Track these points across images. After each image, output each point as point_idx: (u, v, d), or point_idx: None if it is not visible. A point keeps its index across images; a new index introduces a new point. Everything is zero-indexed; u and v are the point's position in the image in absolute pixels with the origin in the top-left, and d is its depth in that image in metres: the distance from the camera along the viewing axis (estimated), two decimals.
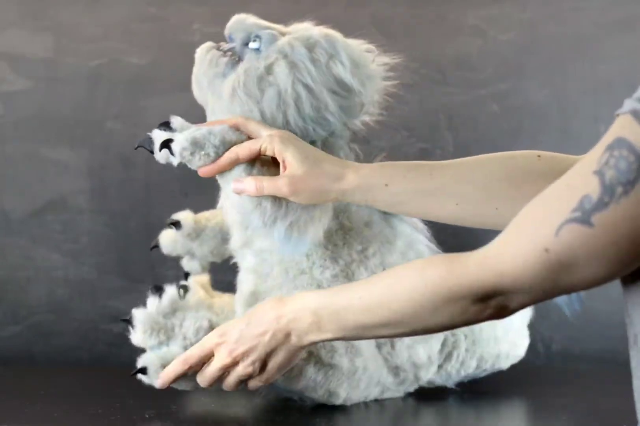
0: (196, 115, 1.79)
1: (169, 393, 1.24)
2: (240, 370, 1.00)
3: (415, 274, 0.88)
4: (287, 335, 0.96)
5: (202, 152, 1.09)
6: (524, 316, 1.38)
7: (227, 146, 1.09)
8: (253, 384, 1.02)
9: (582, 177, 0.74)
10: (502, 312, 0.86)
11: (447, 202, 1.03)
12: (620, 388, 1.30)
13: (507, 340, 1.32)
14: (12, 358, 1.60)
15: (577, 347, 1.61)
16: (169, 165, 1.87)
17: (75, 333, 1.66)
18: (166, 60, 1.77)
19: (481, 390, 1.32)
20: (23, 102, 1.74)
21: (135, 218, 1.74)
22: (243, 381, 1.01)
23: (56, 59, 1.75)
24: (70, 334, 1.66)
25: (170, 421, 1.06)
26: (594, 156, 0.74)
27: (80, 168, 1.74)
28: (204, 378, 1.02)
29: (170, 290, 1.09)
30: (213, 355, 1.00)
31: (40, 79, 1.74)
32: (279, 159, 1.06)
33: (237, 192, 1.08)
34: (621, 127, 0.72)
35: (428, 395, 1.26)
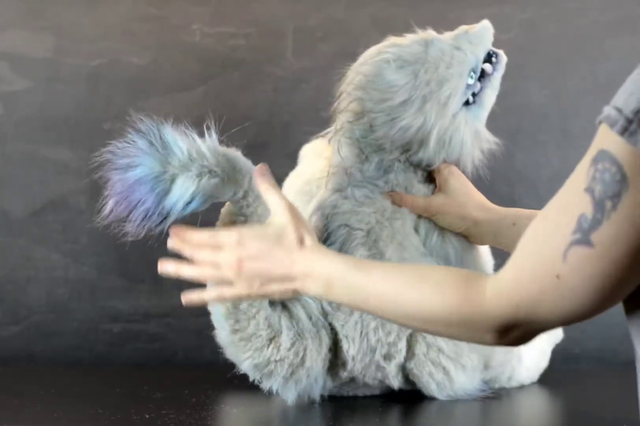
0: (195, 115, 1.79)
1: (168, 393, 1.24)
2: (240, 283, 0.95)
3: (434, 289, 0.87)
4: (292, 289, 0.95)
5: None
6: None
7: None
8: (237, 292, 0.97)
9: (575, 195, 0.74)
10: (520, 341, 0.85)
11: None
12: (620, 388, 1.30)
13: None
14: (12, 358, 1.60)
15: (577, 347, 1.61)
16: None
17: (75, 333, 1.66)
18: (166, 60, 1.77)
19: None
20: (23, 102, 1.74)
21: None
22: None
23: (56, 59, 1.75)
24: (70, 334, 1.66)
25: (169, 421, 1.06)
26: (582, 171, 0.73)
27: (80, 168, 1.74)
28: (202, 257, 0.98)
29: None
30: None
31: (40, 79, 1.74)
32: (438, 181, 1.22)
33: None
34: (600, 136, 0.72)
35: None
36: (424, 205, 1.21)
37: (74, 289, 1.70)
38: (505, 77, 1.27)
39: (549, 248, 0.76)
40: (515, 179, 1.76)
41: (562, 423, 1.20)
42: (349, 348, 1.18)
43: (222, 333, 1.15)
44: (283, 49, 1.78)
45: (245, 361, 1.14)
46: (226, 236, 0.97)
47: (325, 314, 1.18)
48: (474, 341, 0.88)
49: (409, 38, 1.21)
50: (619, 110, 0.69)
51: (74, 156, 1.74)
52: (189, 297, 1.00)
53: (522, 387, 1.35)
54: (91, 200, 1.73)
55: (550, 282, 0.76)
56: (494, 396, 1.24)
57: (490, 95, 1.25)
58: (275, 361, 1.14)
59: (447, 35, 1.23)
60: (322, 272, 0.93)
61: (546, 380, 1.40)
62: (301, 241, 0.96)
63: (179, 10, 1.77)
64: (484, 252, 1.29)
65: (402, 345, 1.20)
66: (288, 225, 0.96)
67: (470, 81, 1.21)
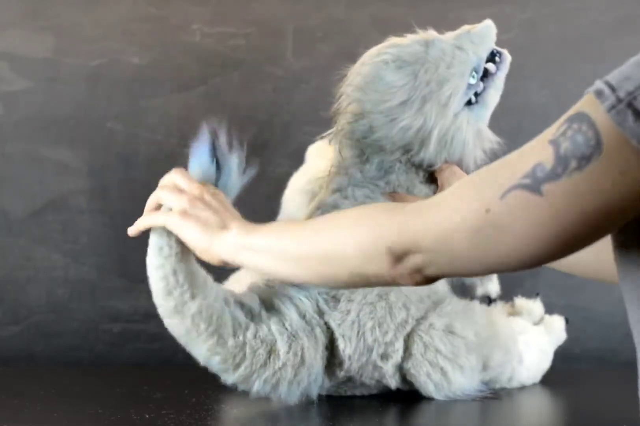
0: (194, 115, 1.80)
1: (168, 393, 1.24)
2: (180, 200, 1.00)
3: (353, 212, 0.87)
4: (215, 239, 0.96)
5: None
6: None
7: None
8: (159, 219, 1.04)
9: (537, 145, 0.73)
10: (415, 277, 0.81)
11: None
12: (620, 388, 1.30)
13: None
14: (12, 358, 1.60)
15: (577, 347, 1.61)
16: (169, 165, 1.87)
17: (75, 333, 1.66)
18: (166, 60, 1.77)
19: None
20: (23, 102, 1.74)
21: (135, 218, 1.73)
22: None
23: (56, 59, 1.75)
24: (70, 334, 1.66)
25: (169, 421, 1.06)
26: (554, 126, 0.73)
27: (80, 168, 1.74)
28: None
29: None
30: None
31: (40, 79, 1.74)
32: (439, 181, 1.20)
33: None
34: (585, 104, 0.72)
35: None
36: None
37: (74, 289, 1.70)
38: (505, 77, 1.27)
39: (490, 184, 0.74)
40: None
41: (562, 423, 1.20)
42: (345, 348, 1.18)
43: (229, 376, 1.13)
44: (283, 49, 1.78)
45: (255, 381, 1.13)
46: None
47: (321, 313, 1.18)
48: (368, 265, 0.82)
49: (409, 38, 1.21)
50: (612, 88, 0.69)
51: (74, 156, 1.74)
52: (131, 230, 1.09)
53: (522, 387, 1.35)
54: (91, 200, 1.73)
55: (476, 214, 0.74)
56: (494, 397, 1.24)
57: (493, 95, 1.25)
58: (279, 368, 1.14)
59: (449, 35, 1.23)
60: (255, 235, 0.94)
61: (546, 380, 1.40)
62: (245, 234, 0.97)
63: (179, 10, 1.77)
64: None
65: (399, 345, 1.20)
66: None
67: (472, 81, 1.21)
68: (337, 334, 1.18)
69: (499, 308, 1.41)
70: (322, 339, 1.18)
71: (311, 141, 1.42)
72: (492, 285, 1.40)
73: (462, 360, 1.23)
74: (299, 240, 0.89)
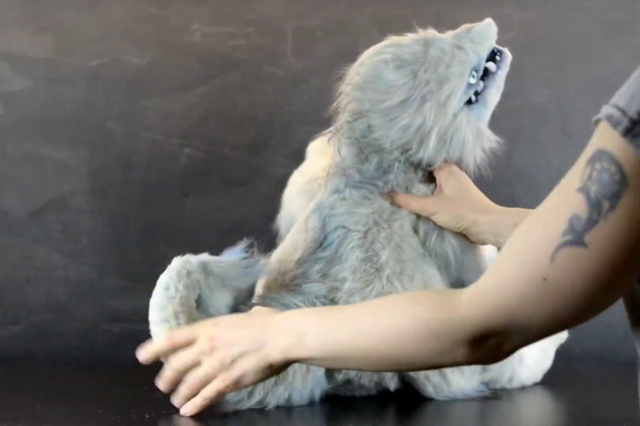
0: (195, 115, 1.80)
1: (169, 393, 1.24)
2: (210, 362, 0.98)
3: (407, 305, 0.87)
4: (263, 345, 0.95)
5: None
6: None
7: None
8: (214, 386, 1.01)
9: (566, 196, 0.72)
10: (494, 356, 0.82)
11: None
12: (620, 388, 1.30)
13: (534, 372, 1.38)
14: (12, 358, 1.60)
15: (577, 347, 1.61)
16: (169, 165, 1.88)
17: (75, 333, 1.66)
18: (166, 60, 1.77)
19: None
20: (23, 102, 1.74)
21: (135, 218, 1.74)
22: (204, 383, 1.01)
23: (56, 59, 1.75)
24: (70, 334, 1.66)
25: (169, 422, 1.06)
26: (577, 171, 0.72)
27: (80, 168, 1.74)
28: (177, 359, 1.01)
29: None
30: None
31: (40, 79, 1.74)
32: (438, 181, 1.20)
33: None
34: (600, 136, 0.70)
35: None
36: (422, 204, 1.20)
37: (74, 289, 1.70)
38: (505, 77, 1.27)
39: (535, 251, 0.74)
40: (515, 179, 1.75)
41: (562, 423, 1.20)
42: None
43: (245, 403, 1.13)
44: (283, 49, 1.78)
45: (270, 401, 1.14)
46: (199, 326, 1.02)
47: None
48: (445, 358, 0.84)
49: (409, 37, 1.20)
50: (622, 111, 0.68)
51: (74, 156, 1.74)
52: (185, 410, 1.05)
53: (523, 387, 1.35)
54: (91, 200, 1.73)
55: (536, 285, 0.74)
56: (494, 397, 1.24)
57: (494, 94, 1.24)
58: (290, 382, 1.14)
59: (449, 33, 1.22)
60: (294, 323, 0.94)
61: (546, 380, 1.40)
62: (274, 312, 1.00)
63: (179, 10, 1.77)
64: (485, 252, 1.29)
65: None
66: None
67: (472, 80, 1.20)
68: None
69: None
70: None
71: (311, 141, 1.42)
72: None
73: None
74: (370, 351, 0.89)
